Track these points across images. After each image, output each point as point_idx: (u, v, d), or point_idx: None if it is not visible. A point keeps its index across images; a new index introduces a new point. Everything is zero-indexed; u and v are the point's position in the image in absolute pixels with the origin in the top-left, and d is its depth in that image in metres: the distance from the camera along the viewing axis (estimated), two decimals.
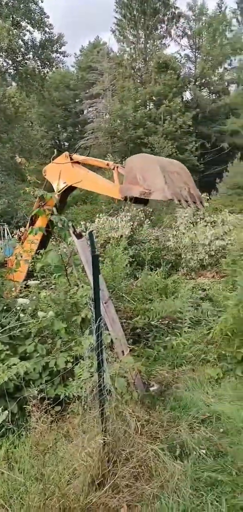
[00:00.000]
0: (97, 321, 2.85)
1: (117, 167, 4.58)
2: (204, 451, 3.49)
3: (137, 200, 4.62)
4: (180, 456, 3.43)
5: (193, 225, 13.66)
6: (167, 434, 3.77)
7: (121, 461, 3.21)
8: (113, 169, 4.57)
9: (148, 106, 40.80)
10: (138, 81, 42.02)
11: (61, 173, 5.17)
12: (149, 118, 36.32)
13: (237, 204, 26.98)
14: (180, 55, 44.43)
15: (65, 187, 5.21)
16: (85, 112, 45.45)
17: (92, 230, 4.86)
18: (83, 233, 5.68)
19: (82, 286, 4.94)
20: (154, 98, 39.12)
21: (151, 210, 15.55)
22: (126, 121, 34.99)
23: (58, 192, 5.17)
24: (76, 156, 5.24)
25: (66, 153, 5.31)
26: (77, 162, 5.26)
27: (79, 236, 4.69)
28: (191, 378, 5.13)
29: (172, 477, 3.13)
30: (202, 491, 2.99)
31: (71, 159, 5.17)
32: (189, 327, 6.53)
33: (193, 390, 4.80)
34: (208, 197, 16.72)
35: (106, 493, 2.97)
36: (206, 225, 13.51)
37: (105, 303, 4.32)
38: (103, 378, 3.08)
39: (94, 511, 2.84)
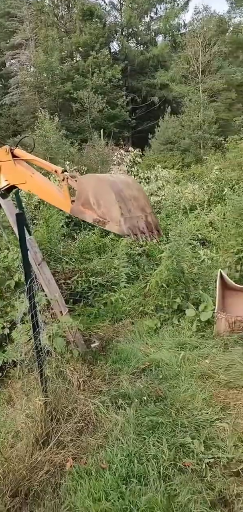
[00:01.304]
0: (28, 283, 2.72)
1: (67, 178, 4.17)
2: (145, 397, 3.65)
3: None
4: (122, 405, 3.55)
5: None
6: (109, 387, 3.87)
7: (64, 418, 3.25)
8: (63, 180, 4.16)
9: (74, 58, 38.87)
10: (62, 30, 39.61)
11: (1, 168, 4.49)
12: (76, 71, 34.71)
13: (169, 159, 27.61)
14: (105, 2, 42.59)
15: (8, 186, 4.55)
16: (7, 64, 41.85)
17: (19, 189, 4.41)
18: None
19: (12, 249, 4.70)
20: (80, 49, 37.31)
21: (86, 169, 15.20)
22: (52, 74, 32.98)
23: (1, 188, 4.55)
24: (19, 152, 4.48)
25: (7, 147, 4.53)
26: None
27: (4, 196, 4.36)
28: (130, 331, 5.28)
29: (115, 427, 3.25)
30: (144, 435, 3.14)
31: (13, 155, 4.42)
32: (127, 283, 6.65)
33: (133, 342, 4.94)
34: (141, 153, 16.83)
35: (51, 450, 3.00)
36: (140, 182, 13.65)
37: (38, 264, 4.16)
38: (39, 339, 3.00)
39: (40, 469, 2.86)
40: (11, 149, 4.46)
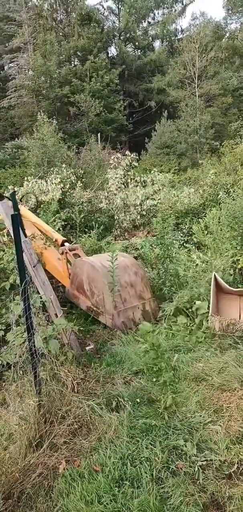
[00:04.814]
0: (23, 285, 2.73)
1: (66, 252, 4.14)
2: (138, 400, 3.65)
3: None
4: (116, 408, 3.55)
5: (125, 186, 13.73)
6: (103, 389, 3.87)
7: (58, 420, 3.25)
8: (62, 254, 4.14)
9: (72, 62, 38.96)
10: (61, 34, 39.68)
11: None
12: (74, 75, 34.75)
13: (166, 163, 27.69)
14: (103, 7, 42.70)
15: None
16: (6, 68, 41.86)
17: (15, 191, 4.43)
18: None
19: (8, 251, 4.69)
20: (78, 53, 37.40)
21: (83, 172, 15.23)
22: (50, 78, 33.01)
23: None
24: (23, 212, 4.45)
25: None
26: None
27: (0, 197, 4.38)
28: (125, 334, 5.26)
29: (109, 429, 3.25)
30: (137, 438, 3.14)
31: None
32: None
33: (127, 345, 4.94)
34: (138, 158, 16.84)
35: (44, 452, 3.00)
36: (137, 185, 13.67)
37: (34, 266, 4.17)
38: (33, 342, 3.01)
39: (33, 471, 2.85)
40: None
